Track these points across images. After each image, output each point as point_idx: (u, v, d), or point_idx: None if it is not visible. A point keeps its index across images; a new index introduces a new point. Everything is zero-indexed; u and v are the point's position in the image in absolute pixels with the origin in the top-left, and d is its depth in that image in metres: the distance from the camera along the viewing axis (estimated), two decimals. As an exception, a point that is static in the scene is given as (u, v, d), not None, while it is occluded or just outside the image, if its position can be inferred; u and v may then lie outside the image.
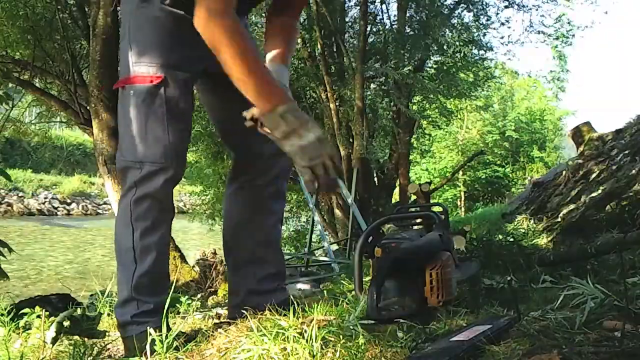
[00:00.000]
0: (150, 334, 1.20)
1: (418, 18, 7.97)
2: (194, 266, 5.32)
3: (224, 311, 1.80)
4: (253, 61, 1.20)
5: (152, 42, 1.34)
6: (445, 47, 8.19)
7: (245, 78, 1.18)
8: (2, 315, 1.40)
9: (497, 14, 12.50)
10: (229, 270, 1.60)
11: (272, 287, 1.52)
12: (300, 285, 3.24)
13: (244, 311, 1.32)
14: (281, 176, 1.56)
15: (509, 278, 1.53)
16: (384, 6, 8.52)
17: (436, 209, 1.69)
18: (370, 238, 1.48)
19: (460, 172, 18.82)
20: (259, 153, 1.49)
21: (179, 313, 1.80)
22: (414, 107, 8.43)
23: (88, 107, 5.68)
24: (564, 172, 5.79)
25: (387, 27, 8.45)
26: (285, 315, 1.18)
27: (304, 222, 11.29)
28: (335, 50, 8.13)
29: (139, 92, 1.33)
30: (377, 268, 1.41)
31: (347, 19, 8.61)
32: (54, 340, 1.19)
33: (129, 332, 1.33)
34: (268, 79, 1.23)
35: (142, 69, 1.33)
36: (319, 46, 7.55)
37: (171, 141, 1.33)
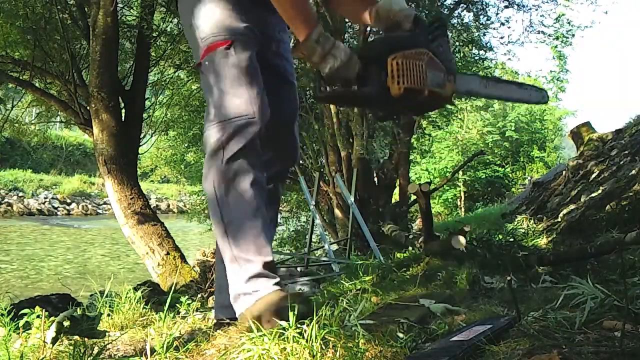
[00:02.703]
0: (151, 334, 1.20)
1: (418, 18, 7.96)
2: (194, 266, 5.33)
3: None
4: None
5: (212, 17, 1.42)
6: (445, 47, 8.17)
7: (288, 7, 1.34)
8: (2, 315, 1.40)
9: (497, 14, 12.55)
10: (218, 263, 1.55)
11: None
12: (300, 286, 3.24)
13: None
14: (278, 178, 1.57)
15: (509, 278, 1.52)
16: (383, 6, 8.51)
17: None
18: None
19: (460, 172, 18.83)
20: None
21: (179, 313, 1.80)
22: (414, 107, 8.42)
23: (88, 107, 5.68)
24: (564, 172, 5.79)
25: (387, 27, 8.43)
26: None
27: (303, 222, 11.30)
28: (335, 50, 8.12)
29: (211, 58, 1.41)
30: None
31: (347, 19, 8.60)
32: (54, 340, 1.19)
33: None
34: (306, 7, 1.35)
35: (209, 39, 1.42)
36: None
37: (251, 95, 1.37)
